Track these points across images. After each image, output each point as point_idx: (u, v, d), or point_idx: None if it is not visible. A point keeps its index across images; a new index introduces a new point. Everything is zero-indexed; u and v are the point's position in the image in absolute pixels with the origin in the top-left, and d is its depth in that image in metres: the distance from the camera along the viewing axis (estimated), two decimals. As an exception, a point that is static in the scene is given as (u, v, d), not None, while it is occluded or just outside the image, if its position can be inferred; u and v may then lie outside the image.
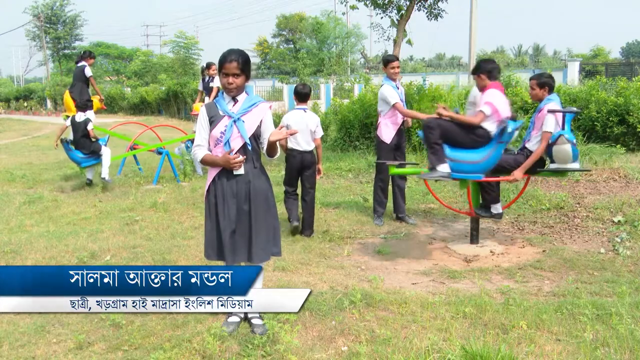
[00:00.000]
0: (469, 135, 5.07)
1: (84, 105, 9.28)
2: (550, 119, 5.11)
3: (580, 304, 3.87)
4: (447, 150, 5.09)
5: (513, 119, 5.21)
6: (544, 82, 5.34)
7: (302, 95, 6.16)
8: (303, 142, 6.10)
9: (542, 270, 4.97)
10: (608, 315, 3.70)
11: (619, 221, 6.18)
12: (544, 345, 3.34)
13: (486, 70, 5.23)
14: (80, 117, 8.90)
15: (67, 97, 9.69)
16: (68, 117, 9.60)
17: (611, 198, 7.03)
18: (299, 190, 6.41)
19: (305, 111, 6.14)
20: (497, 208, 5.59)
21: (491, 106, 5.01)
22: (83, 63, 9.73)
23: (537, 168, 5.29)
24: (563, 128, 5.09)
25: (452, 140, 5.10)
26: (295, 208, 6.35)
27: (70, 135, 9.01)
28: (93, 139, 8.97)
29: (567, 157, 5.03)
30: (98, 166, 9.27)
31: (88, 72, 9.71)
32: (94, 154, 8.92)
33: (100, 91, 10.56)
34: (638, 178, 8.04)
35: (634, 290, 4.28)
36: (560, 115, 5.11)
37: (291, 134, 3.48)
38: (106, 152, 8.97)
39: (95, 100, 9.94)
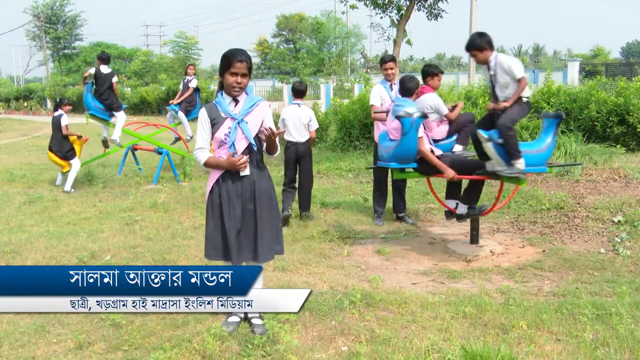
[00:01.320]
0: None
1: (68, 156, 9.16)
2: None
3: (580, 304, 3.87)
4: None
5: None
6: None
7: (298, 92, 6.78)
8: (296, 134, 6.66)
9: (542, 270, 4.96)
10: (608, 315, 3.70)
11: (619, 221, 6.18)
12: (544, 345, 3.34)
13: None
14: (105, 69, 9.17)
15: (52, 156, 9.28)
16: (63, 173, 9.38)
17: (611, 198, 7.03)
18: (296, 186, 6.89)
19: (299, 106, 6.70)
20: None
21: None
22: (60, 112, 9.34)
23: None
24: None
25: None
26: (290, 200, 6.78)
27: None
28: (115, 93, 9.30)
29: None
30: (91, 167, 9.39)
31: (64, 121, 9.32)
32: (111, 109, 9.21)
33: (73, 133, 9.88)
34: (638, 178, 8.04)
35: (634, 290, 4.27)
36: None
37: (275, 134, 3.41)
38: (121, 117, 9.33)
39: (76, 142, 9.44)
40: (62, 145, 9.14)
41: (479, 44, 4.99)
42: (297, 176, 6.90)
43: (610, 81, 12.60)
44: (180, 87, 11.63)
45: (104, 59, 9.31)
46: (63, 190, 8.94)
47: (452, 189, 5.64)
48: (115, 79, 9.27)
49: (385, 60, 6.52)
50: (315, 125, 6.74)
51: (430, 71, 5.87)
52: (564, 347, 3.32)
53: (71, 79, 50.55)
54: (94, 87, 9.22)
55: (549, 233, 6.12)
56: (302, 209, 6.84)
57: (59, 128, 9.20)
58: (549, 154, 5.16)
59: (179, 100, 11.03)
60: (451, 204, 5.62)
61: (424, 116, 5.20)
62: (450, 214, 5.73)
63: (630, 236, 5.71)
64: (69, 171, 9.14)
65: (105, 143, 10.07)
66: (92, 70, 9.09)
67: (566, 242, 5.81)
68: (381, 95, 6.45)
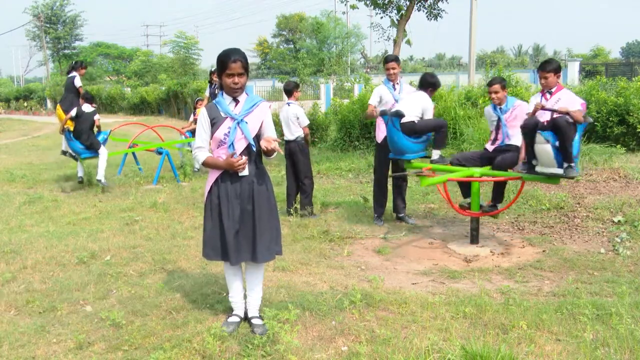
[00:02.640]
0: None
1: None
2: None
3: (580, 304, 3.87)
4: None
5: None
6: (505, 84, 5.88)
7: (286, 91, 7.11)
8: (287, 132, 7.00)
9: (542, 270, 4.96)
10: (608, 315, 3.70)
11: (619, 221, 6.18)
12: (544, 345, 3.34)
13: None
14: (87, 108, 8.98)
15: (59, 111, 9.42)
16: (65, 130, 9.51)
17: (611, 198, 7.03)
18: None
19: (288, 105, 7.01)
20: (500, 207, 5.97)
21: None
22: (74, 74, 9.51)
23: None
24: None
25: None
26: (291, 199, 7.12)
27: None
28: (97, 129, 9.08)
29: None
30: (90, 167, 9.33)
31: (78, 82, 9.54)
32: (92, 148, 8.97)
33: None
34: (638, 178, 8.04)
35: (634, 290, 4.27)
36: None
37: (273, 147, 3.34)
38: (103, 153, 9.00)
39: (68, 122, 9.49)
40: (71, 106, 9.17)
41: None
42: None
43: (610, 81, 12.59)
44: (191, 119, 11.74)
45: (88, 98, 9.11)
46: (96, 179, 8.91)
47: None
48: (97, 117, 9.06)
49: (388, 60, 6.56)
50: (304, 121, 6.97)
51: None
52: (564, 347, 3.31)
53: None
54: (74, 127, 8.91)
55: (549, 233, 6.12)
56: (301, 206, 6.94)
57: (70, 89, 9.31)
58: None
59: (190, 128, 11.07)
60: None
61: (397, 115, 5.80)
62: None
63: (630, 236, 5.71)
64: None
65: (65, 154, 9.81)
66: (74, 113, 8.85)
67: (566, 242, 5.80)
68: (381, 95, 6.52)
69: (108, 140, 9.54)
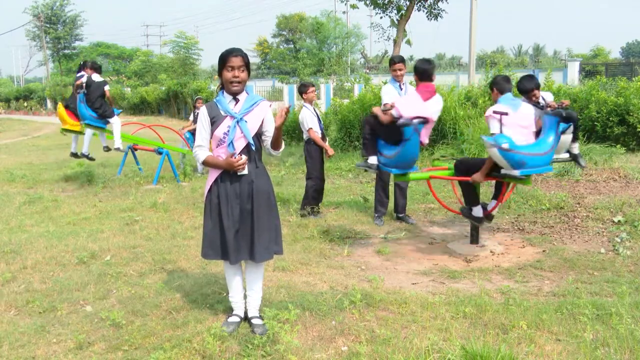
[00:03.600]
0: (387, 132, 5.31)
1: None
2: (492, 122, 4.98)
3: (580, 304, 3.86)
4: (379, 145, 5.44)
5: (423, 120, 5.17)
6: (492, 84, 5.28)
7: (299, 92, 7.21)
8: (302, 134, 7.13)
9: (542, 270, 4.96)
10: (608, 315, 3.70)
11: (619, 221, 6.18)
12: (544, 345, 3.34)
13: (415, 71, 5.37)
14: (97, 77, 9.11)
15: (61, 109, 9.45)
16: (65, 129, 9.58)
17: (611, 198, 7.03)
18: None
19: (302, 107, 7.09)
20: (476, 211, 5.44)
21: (396, 109, 5.15)
22: (82, 73, 9.61)
23: (494, 172, 5.15)
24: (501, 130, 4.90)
25: (380, 136, 5.44)
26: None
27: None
28: (108, 101, 9.22)
29: (500, 161, 4.88)
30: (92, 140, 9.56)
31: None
32: (104, 117, 9.15)
33: None
34: (638, 178, 8.05)
35: (634, 290, 4.27)
36: (501, 116, 4.94)
37: (286, 113, 3.38)
38: (117, 122, 9.32)
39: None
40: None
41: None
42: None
43: (610, 81, 12.60)
44: (191, 118, 11.76)
45: (96, 68, 9.28)
46: (114, 148, 9.41)
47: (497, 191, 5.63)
48: (107, 87, 9.21)
49: (395, 61, 6.55)
50: (306, 124, 6.94)
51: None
52: (564, 347, 3.31)
53: (71, 78, 50.46)
54: (86, 95, 9.06)
55: (549, 233, 6.12)
56: (301, 206, 7.07)
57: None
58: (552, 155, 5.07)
59: (190, 129, 11.08)
60: (477, 211, 5.48)
61: (425, 122, 5.13)
62: (479, 219, 5.54)
63: (630, 236, 5.71)
64: (68, 130, 9.45)
65: (75, 155, 9.91)
66: (84, 79, 8.99)
67: (566, 242, 5.80)
68: (393, 95, 6.46)
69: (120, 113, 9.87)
